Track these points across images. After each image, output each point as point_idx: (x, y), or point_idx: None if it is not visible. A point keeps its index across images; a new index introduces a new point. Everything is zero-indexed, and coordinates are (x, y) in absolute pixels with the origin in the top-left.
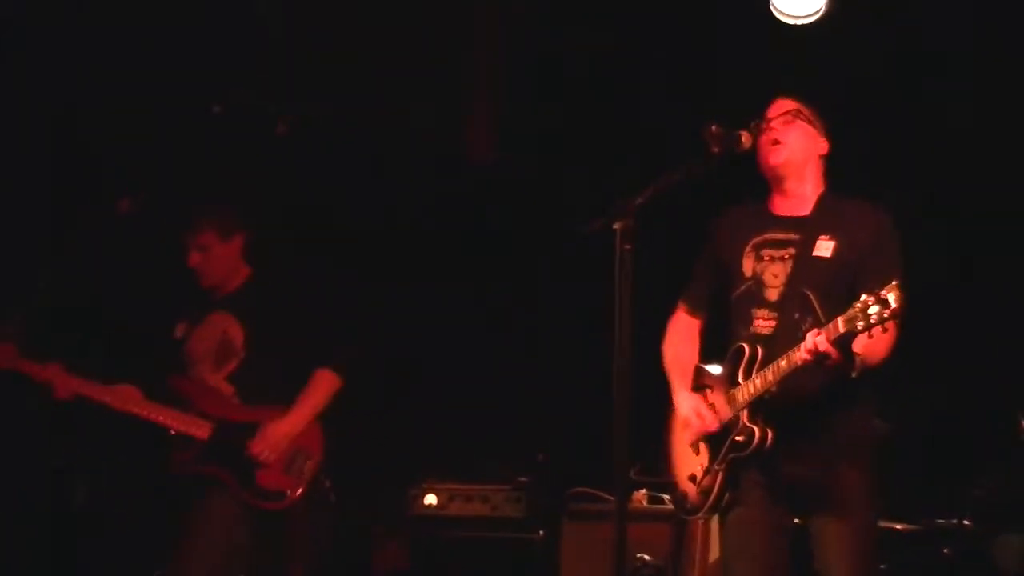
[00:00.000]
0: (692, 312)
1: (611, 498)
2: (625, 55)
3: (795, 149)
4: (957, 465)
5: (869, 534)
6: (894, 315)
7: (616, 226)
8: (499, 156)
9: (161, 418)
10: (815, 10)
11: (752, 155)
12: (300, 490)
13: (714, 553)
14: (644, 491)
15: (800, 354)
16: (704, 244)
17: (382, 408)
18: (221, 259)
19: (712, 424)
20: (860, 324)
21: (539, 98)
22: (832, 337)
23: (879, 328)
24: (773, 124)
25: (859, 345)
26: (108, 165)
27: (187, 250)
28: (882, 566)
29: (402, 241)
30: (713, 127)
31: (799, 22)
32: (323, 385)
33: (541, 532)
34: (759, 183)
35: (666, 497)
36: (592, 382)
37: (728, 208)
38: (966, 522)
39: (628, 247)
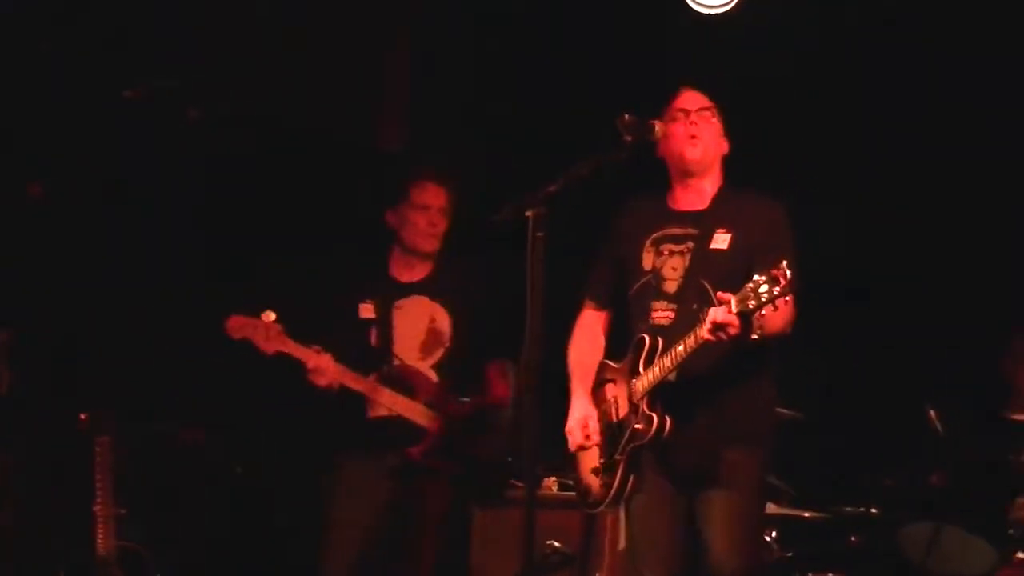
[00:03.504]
0: (597, 307)
1: (521, 485)
2: (538, 43)
3: (709, 146)
4: (866, 455)
5: (751, 509)
6: (784, 292)
7: (528, 214)
8: (408, 143)
9: (408, 413)
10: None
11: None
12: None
13: (623, 543)
14: (554, 478)
15: (701, 331)
16: (603, 239)
17: (295, 394)
18: (446, 228)
19: (582, 441)
20: (752, 303)
21: (450, 83)
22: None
23: (770, 307)
24: (693, 118)
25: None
26: (19, 150)
27: (421, 209)
28: (789, 554)
29: (312, 229)
30: (626, 116)
31: (713, 12)
32: (511, 379)
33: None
34: (659, 174)
35: None
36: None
37: (626, 203)
38: (873, 511)
39: (540, 235)
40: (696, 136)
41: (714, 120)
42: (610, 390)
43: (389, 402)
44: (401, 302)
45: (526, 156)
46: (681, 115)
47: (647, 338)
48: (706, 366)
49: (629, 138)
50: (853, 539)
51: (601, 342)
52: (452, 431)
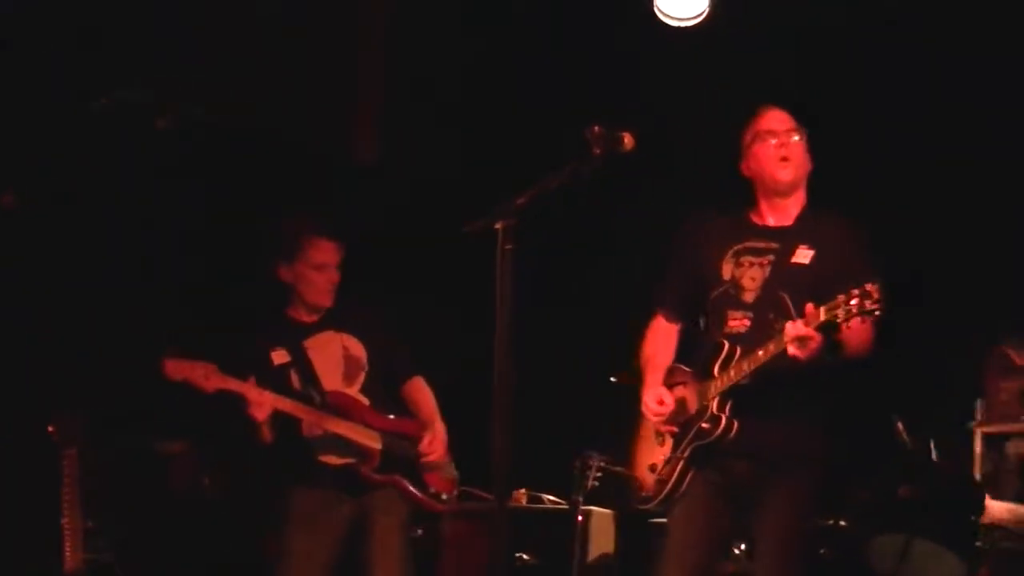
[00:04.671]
0: (669, 318)
1: (491, 497)
2: (511, 56)
3: (800, 166)
4: (835, 467)
5: (797, 534)
6: (876, 305)
7: (498, 226)
8: (382, 155)
9: (352, 435)
10: (698, 12)
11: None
12: (455, 491)
13: (592, 552)
14: (524, 490)
15: (782, 339)
16: (675, 250)
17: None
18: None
19: (666, 412)
20: (841, 312)
21: (423, 96)
22: (813, 324)
23: (857, 319)
24: (783, 139)
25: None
26: None
27: (319, 268)
28: None
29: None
30: (595, 128)
31: (683, 24)
32: (430, 391)
33: (420, 531)
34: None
35: (547, 497)
36: (475, 381)
37: (699, 216)
38: (843, 523)
39: (509, 247)
40: (787, 157)
41: (801, 140)
42: (679, 392)
43: (329, 426)
44: (310, 340)
45: (500, 165)
46: (769, 136)
47: (725, 344)
48: (781, 376)
49: (598, 150)
50: (822, 551)
51: (672, 346)
52: (394, 445)
